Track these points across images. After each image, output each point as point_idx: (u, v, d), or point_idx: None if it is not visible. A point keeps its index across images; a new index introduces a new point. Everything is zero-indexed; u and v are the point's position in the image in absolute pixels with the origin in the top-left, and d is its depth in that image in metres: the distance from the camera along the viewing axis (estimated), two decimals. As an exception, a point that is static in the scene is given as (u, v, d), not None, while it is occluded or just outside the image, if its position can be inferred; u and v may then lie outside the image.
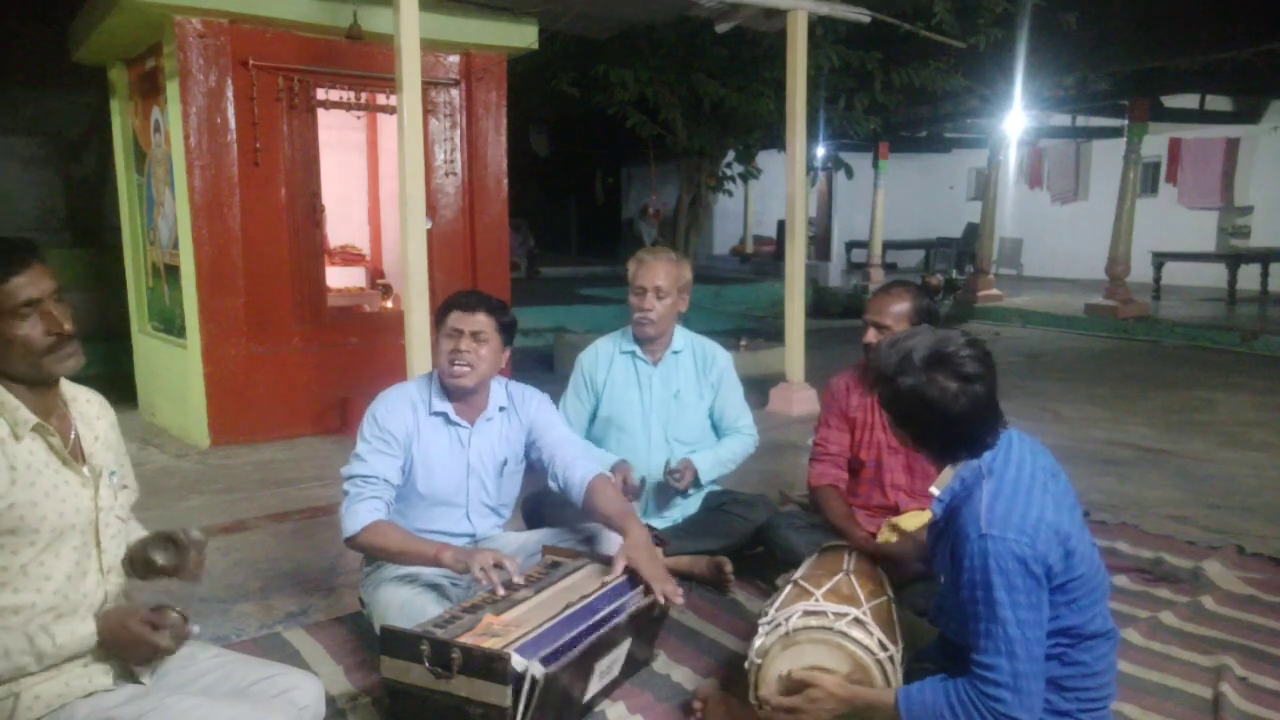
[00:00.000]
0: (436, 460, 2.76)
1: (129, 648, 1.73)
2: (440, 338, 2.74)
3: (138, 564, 1.87)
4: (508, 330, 2.77)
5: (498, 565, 2.41)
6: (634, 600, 2.49)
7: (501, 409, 2.87)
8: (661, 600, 2.49)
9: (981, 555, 1.81)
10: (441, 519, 2.82)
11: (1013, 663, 1.78)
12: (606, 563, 2.63)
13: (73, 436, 1.81)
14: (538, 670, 2.04)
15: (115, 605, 1.81)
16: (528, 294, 10.57)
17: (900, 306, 3.01)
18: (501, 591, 2.39)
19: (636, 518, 2.71)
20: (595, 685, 2.38)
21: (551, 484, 2.87)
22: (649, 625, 2.60)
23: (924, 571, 2.51)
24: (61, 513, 1.73)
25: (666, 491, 3.41)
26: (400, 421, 2.72)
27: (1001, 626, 1.79)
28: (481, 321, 2.69)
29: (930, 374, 1.90)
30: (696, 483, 3.40)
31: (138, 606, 1.78)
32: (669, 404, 3.48)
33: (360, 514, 2.57)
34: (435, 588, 2.64)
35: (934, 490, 1.99)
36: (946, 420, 1.92)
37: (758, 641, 2.18)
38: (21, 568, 1.70)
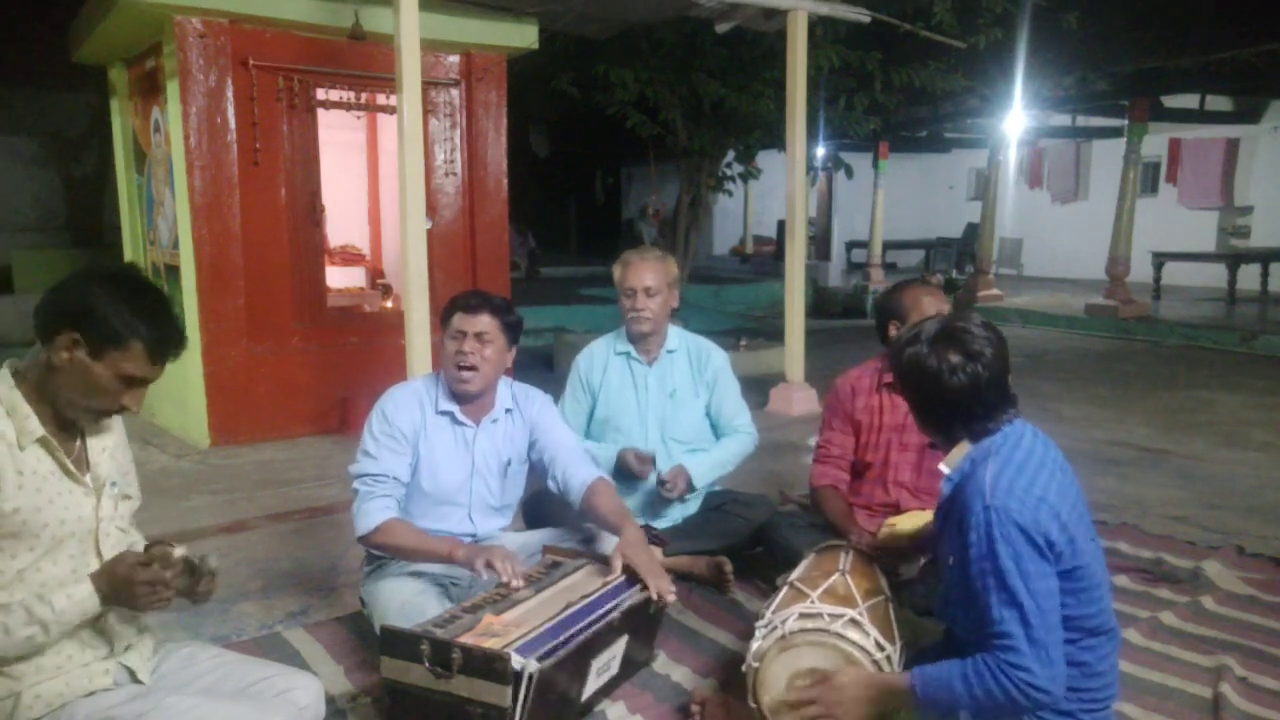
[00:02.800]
0: (441, 459, 2.77)
1: (128, 590, 1.69)
2: (445, 339, 2.74)
3: None
4: (512, 330, 2.77)
5: (507, 557, 2.44)
6: (630, 597, 2.49)
7: (507, 410, 2.88)
8: (655, 597, 2.49)
9: (986, 525, 1.83)
10: (445, 518, 2.82)
11: (1028, 630, 1.78)
12: (606, 562, 2.63)
13: (79, 445, 1.82)
14: (532, 666, 2.04)
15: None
16: (528, 294, 10.57)
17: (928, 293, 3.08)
18: (519, 583, 2.40)
19: (632, 518, 2.72)
20: (593, 683, 2.38)
21: (550, 484, 2.87)
22: (646, 623, 2.60)
23: (919, 560, 2.52)
24: (63, 520, 1.74)
25: (662, 499, 3.41)
26: (408, 418, 2.73)
27: (1013, 595, 1.79)
28: (485, 322, 2.69)
29: (935, 346, 1.95)
30: (691, 487, 3.39)
31: (126, 552, 1.77)
32: (665, 404, 3.48)
33: (373, 512, 2.59)
34: (436, 588, 2.65)
35: (944, 468, 2.01)
36: (943, 393, 1.94)
37: (754, 645, 2.18)
38: (19, 573, 1.70)
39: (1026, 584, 1.79)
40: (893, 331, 3.10)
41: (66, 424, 1.78)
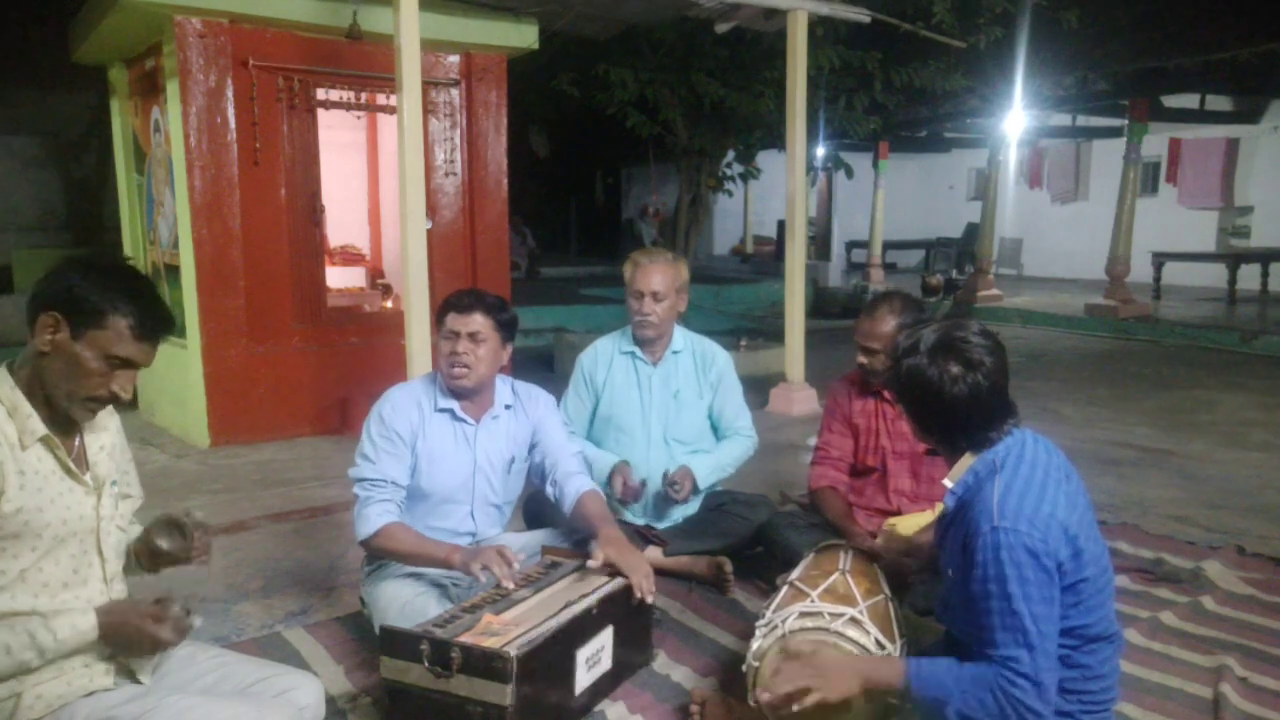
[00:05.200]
0: (442, 457, 2.77)
1: (130, 642, 1.72)
2: (439, 339, 2.74)
3: (143, 556, 1.89)
4: (507, 328, 2.77)
5: (500, 555, 2.44)
6: (607, 586, 2.49)
7: (507, 407, 2.88)
8: (639, 594, 2.49)
9: (994, 548, 1.81)
10: (446, 516, 2.82)
11: (1031, 654, 1.78)
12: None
13: (77, 444, 1.81)
14: (511, 650, 2.04)
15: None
16: (528, 294, 10.57)
17: (886, 328, 2.97)
18: (511, 584, 2.40)
19: (613, 522, 2.74)
20: (584, 677, 2.37)
21: (548, 489, 2.89)
22: (632, 617, 2.58)
23: (921, 575, 2.51)
24: (65, 520, 1.73)
25: (666, 501, 3.41)
26: (406, 420, 2.73)
27: (1018, 619, 1.79)
28: (478, 322, 2.69)
29: (934, 357, 1.92)
30: (696, 489, 3.39)
31: (139, 600, 1.77)
32: (668, 404, 3.48)
33: (372, 517, 2.60)
34: (437, 588, 2.66)
35: (947, 483, 1.99)
36: (943, 404, 1.92)
37: (755, 644, 2.18)
38: (21, 573, 1.70)
39: (1030, 608, 1.79)
40: (859, 359, 3.10)
41: (64, 424, 1.77)
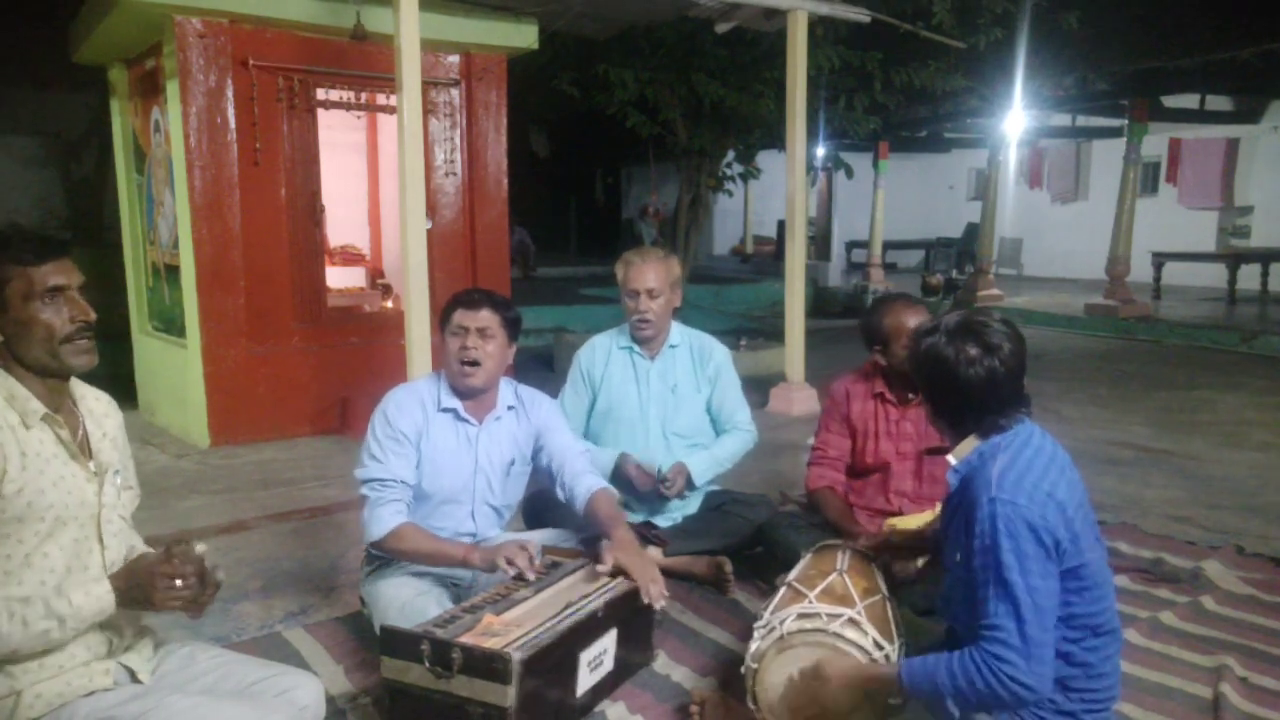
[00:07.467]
0: (444, 457, 2.77)
1: (148, 589, 1.68)
2: (446, 337, 2.74)
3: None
4: (513, 326, 2.78)
5: (522, 548, 2.48)
6: (614, 589, 2.49)
7: (510, 408, 2.88)
8: (646, 600, 2.49)
9: (991, 519, 1.82)
10: (446, 517, 2.82)
11: (1021, 625, 1.78)
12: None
13: (80, 432, 1.83)
14: (515, 654, 2.04)
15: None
16: (527, 294, 10.57)
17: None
18: (531, 577, 2.43)
19: (624, 524, 2.74)
20: (586, 679, 2.38)
21: (559, 491, 2.88)
22: (635, 619, 2.59)
23: (918, 571, 2.51)
24: (66, 504, 1.74)
25: (661, 496, 3.41)
26: (410, 419, 2.73)
27: (1010, 590, 1.79)
28: (486, 318, 2.70)
29: (953, 337, 1.96)
30: (691, 485, 3.39)
31: (144, 555, 1.77)
32: (666, 398, 3.49)
33: (384, 518, 2.60)
34: (437, 588, 2.66)
35: (951, 459, 2.01)
36: (956, 384, 1.94)
37: (753, 645, 2.18)
38: (25, 557, 1.70)
39: (1026, 580, 1.79)
40: (877, 358, 3.11)
41: (63, 411, 1.79)
